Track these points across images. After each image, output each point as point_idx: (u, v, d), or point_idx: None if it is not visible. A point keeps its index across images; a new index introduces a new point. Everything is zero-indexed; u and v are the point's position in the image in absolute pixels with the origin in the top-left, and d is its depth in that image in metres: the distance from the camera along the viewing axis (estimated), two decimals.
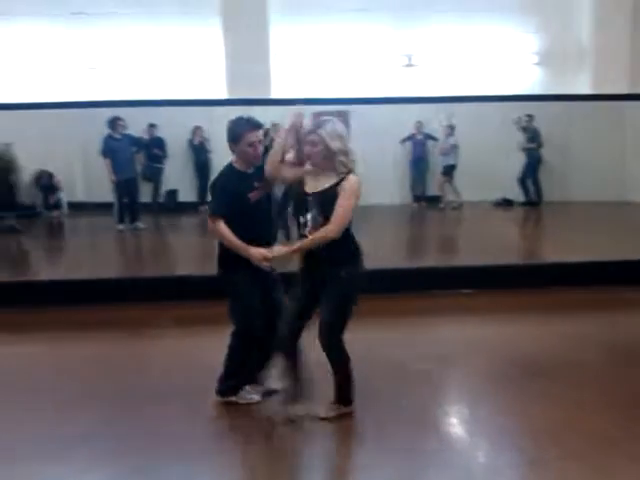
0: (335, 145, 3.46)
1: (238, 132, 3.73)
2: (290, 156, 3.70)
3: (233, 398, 3.99)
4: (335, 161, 3.48)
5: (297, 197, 3.61)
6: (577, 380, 4.30)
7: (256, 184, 3.77)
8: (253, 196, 3.74)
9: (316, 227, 3.50)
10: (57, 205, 10.66)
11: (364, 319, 5.64)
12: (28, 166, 10.34)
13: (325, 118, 3.55)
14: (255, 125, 3.73)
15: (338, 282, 3.55)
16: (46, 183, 10.55)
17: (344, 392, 3.75)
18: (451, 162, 11.15)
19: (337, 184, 3.48)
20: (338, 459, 3.40)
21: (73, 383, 4.41)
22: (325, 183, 3.52)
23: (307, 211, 3.54)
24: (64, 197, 10.58)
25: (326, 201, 3.47)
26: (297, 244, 3.58)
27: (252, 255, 3.58)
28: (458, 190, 11.15)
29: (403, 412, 3.86)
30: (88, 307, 5.99)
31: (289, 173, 3.69)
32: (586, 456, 3.31)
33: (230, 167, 3.84)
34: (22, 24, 10.40)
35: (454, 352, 4.92)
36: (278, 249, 3.61)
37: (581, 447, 3.40)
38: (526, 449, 3.44)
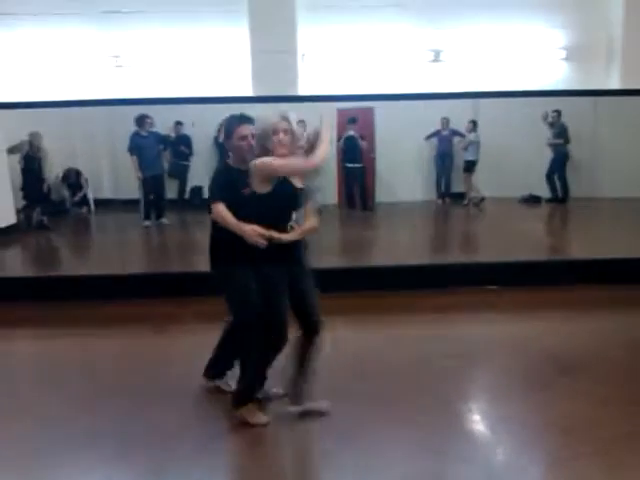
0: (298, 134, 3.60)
1: (229, 128, 3.79)
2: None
3: (217, 382, 4.15)
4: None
5: (294, 192, 3.61)
6: (603, 378, 4.25)
7: (249, 181, 3.73)
8: (246, 191, 3.68)
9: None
10: (84, 202, 10.80)
11: (388, 315, 5.71)
12: (56, 163, 10.51)
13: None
14: (246, 119, 3.79)
15: (307, 269, 3.74)
16: (74, 181, 10.68)
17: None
18: (471, 158, 11.07)
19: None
20: (359, 454, 3.40)
21: (98, 378, 4.48)
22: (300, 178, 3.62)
23: (300, 206, 3.64)
24: (91, 194, 10.71)
25: (304, 196, 3.63)
26: (296, 231, 3.63)
27: (246, 232, 3.55)
28: (477, 186, 11.06)
29: (426, 408, 3.86)
30: (114, 302, 6.06)
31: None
32: (611, 454, 3.28)
33: (224, 164, 3.91)
34: (51, 22, 10.54)
35: (478, 349, 4.90)
36: (277, 235, 3.56)
37: (607, 445, 3.37)
38: (550, 447, 3.42)
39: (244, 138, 3.74)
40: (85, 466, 3.35)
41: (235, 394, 3.84)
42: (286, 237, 3.57)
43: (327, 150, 3.58)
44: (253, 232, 3.52)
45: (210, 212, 3.72)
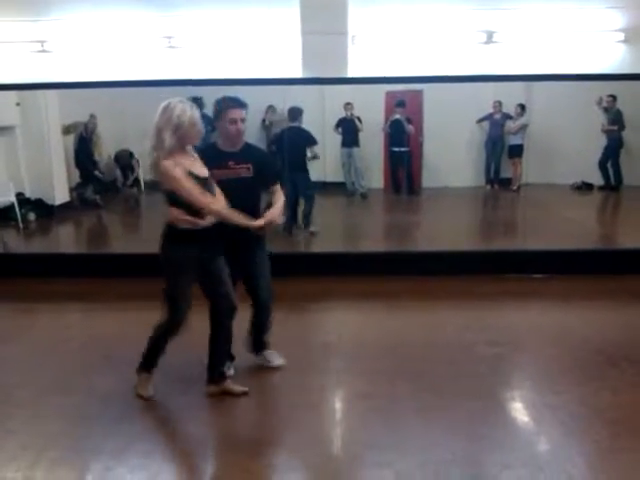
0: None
1: (220, 109, 3.81)
2: None
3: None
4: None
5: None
6: None
7: (230, 163, 3.80)
8: (222, 175, 3.71)
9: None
10: (135, 183, 11.02)
11: (435, 301, 5.70)
12: (109, 144, 10.74)
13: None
14: (238, 103, 3.80)
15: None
16: (126, 162, 10.91)
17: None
18: (520, 142, 10.88)
19: None
20: (398, 437, 3.42)
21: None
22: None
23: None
24: (142, 175, 10.92)
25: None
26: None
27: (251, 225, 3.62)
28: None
29: (470, 395, 3.85)
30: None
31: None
32: None
33: (211, 144, 3.96)
34: (105, 4, 10.69)
35: (525, 337, 4.85)
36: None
37: None
38: (599, 438, 3.37)
39: (233, 121, 3.76)
40: (129, 437, 3.45)
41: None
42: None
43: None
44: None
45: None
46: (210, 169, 3.64)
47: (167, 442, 3.42)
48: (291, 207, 7.77)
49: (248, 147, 3.96)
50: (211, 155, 3.78)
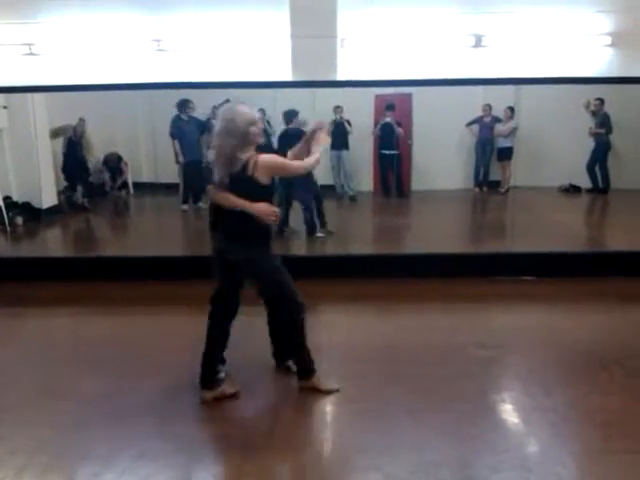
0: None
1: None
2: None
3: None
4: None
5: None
6: None
7: None
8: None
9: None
10: (123, 185, 10.98)
11: (425, 303, 5.71)
12: (97, 146, 10.68)
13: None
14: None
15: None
16: (114, 165, 10.86)
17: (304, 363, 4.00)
18: (510, 144, 10.94)
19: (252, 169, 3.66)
20: (389, 439, 3.42)
21: (137, 355, 4.58)
22: None
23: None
24: (130, 178, 10.88)
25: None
26: None
27: (259, 210, 3.62)
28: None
29: (459, 397, 3.86)
30: (153, 283, 6.17)
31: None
32: None
33: None
34: (93, 7, 10.65)
35: (514, 339, 4.87)
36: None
37: None
38: (589, 440, 3.39)
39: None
40: (120, 442, 3.43)
41: (301, 370, 4.01)
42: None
43: (317, 161, 3.82)
44: (266, 208, 3.65)
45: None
46: None
47: (157, 446, 3.39)
48: (284, 209, 7.78)
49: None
50: None
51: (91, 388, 4.07)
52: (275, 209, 3.71)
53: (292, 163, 3.84)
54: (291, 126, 8.19)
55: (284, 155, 3.97)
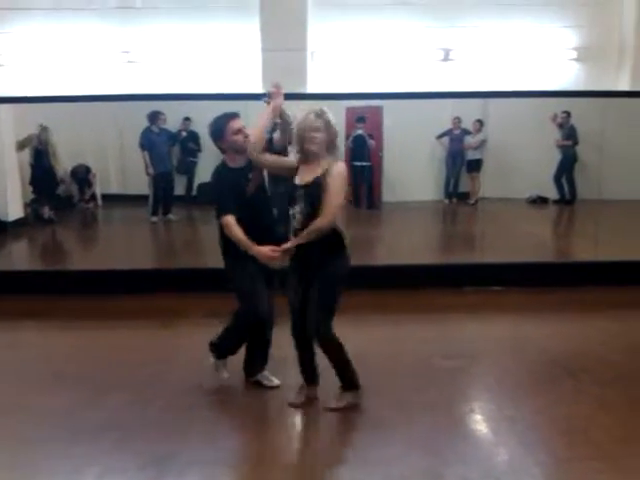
0: (335, 132, 3.57)
1: (220, 126, 3.82)
2: (277, 136, 3.80)
3: (212, 360, 4.18)
4: (333, 147, 3.57)
5: (288, 188, 3.65)
6: (608, 380, 4.25)
7: (250, 175, 3.82)
8: (249, 190, 3.79)
9: (305, 219, 3.55)
10: (92, 197, 10.84)
11: (391, 314, 5.72)
12: (65, 158, 10.54)
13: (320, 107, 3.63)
14: (233, 115, 3.83)
15: (326, 274, 3.61)
16: (82, 176, 10.72)
17: (347, 379, 3.81)
18: (479, 156, 11.08)
19: (323, 174, 3.52)
20: (360, 451, 3.41)
21: (103, 371, 4.50)
22: (312, 174, 3.56)
23: (296, 203, 3.59)
24: (98, 189, 10.75)
25: (314, 193, 3.52)
26: (293, 240, 3.61)
27: (259, 253, 3.62)
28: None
29: (428, 408, 3.86)
30: (121, 297, 6.10)
31: (269, 159, 3.73)
32: (612, 457, 3.28)
33: (223, 165, 3.89)
34: (61, 18, 10.57)
35: (482, 349, 4.89)
36: (283, 247, 3.61)
37: (610, 448, 3.37)
38: (554, 448, 3.42)
39: (238, 131, 3.77)
40: (84, 458, 3.36)
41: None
42: (292, 244, 3.60)
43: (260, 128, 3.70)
44: (265, 254, 3.60)
45: (218, 218, 3.76)
46: (241, 188, 3.76)
47: (121, 462, 3.33)
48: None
49: None
50: (233, 177, 3.81)
51: (54, 404, 3.99)
52: (276, 252, 3.60)
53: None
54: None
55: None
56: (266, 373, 4.19)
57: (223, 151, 3.89)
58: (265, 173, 3.92)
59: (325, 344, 3.73)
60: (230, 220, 3.69)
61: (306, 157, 3.60)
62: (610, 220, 9.29)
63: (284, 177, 3.72)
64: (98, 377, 4.39)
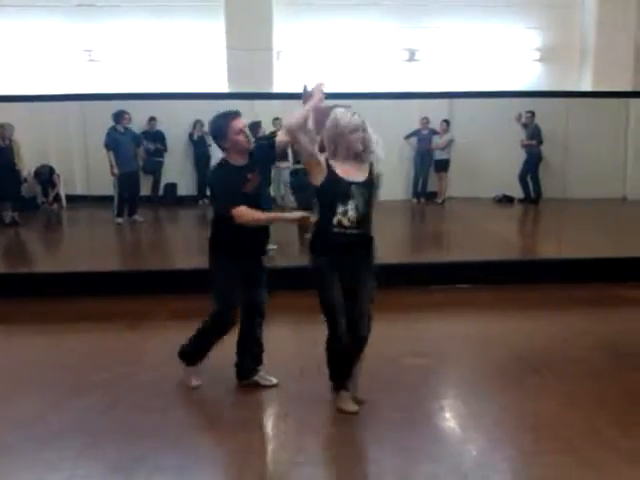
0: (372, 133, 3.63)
1: (221, 126, 3.78)
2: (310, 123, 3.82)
3: (184, 366, 4.15)
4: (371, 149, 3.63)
5: (335, 185, 3.60)
6: (573, 376, 4.31)
7: (249, 176, 3.81)
8: (248, 189, 3.79)
9: (360, 216, 3.58)
10: (56, 198, 10.66)
11: None
12: (27, 159, 10.34)
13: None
14: (235, 113, 3.80)
15: (372, 274, 3.70)
16: (46, 177, 10.54)
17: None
18: (446, 156, 11.18)
19: (371, 173, 3.65)
20: (328, 450, 3.40)
21: (69, 375, 4.42)
22: (363, 172, 3.64)
23: (348, 199, 3.57)
24: (62, 190, 10.58)
25: (371, 190, 3.65)
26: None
27: (292, 217, 3.77)
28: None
29: (396, 407, 3.87)
30: (86, 300, 6.00)
31: (304, 139, 3.61)
32: (580, 451, 3.32)
33: (225, 163, 3.86)
34: (23, 15, 10.38)
35: (449, 347, 4.93)
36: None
37: (575, 442, 3.41)
38: (521, 443, 3.45)
39: (240, 131, 3.76)
40: (49, 466, 3.29)
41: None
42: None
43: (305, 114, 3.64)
44: (299, 215, 3.74)
45: (224, 212, 3.75)
46: (242, 186, 3.75)
47: (89, 467, 3.28)
48: None
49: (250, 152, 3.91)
50: (235, 175, 3.78)
51: (20, 410, 3.90)
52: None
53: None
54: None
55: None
56: (262, 373, 4.15)
57: (223, 149, 3.86)
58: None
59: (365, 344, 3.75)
60: (242, 208, 3.70)
61: (351, 156, 3.63)
62: (574, 218, 9.46)
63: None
64: (63, 381, 4.30)
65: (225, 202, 3.77)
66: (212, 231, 3.95)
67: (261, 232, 3.91)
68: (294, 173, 7.86)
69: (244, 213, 3.71)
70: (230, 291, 3.88)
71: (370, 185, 3.66)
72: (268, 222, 3.85)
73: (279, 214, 3.77)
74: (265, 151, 3.95)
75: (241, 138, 3.76)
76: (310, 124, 3.61)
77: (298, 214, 3.81)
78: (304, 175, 4.04)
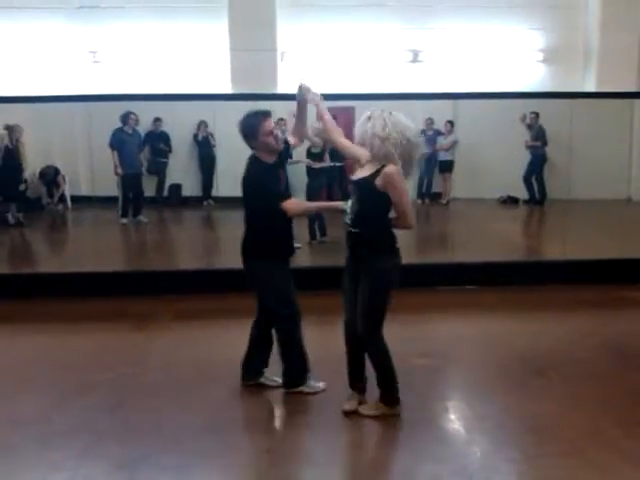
0: (384, 133, 3.47)
1: (253, 125, 3.78)
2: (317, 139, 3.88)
3: (261, 380, 4.13)
4: (381, 148, 3.49)
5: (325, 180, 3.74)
6: (578, 377, 4.30)
7: (280, 173, 3.88)
8: (281, 186, 3.86)
9: (354, 214, 3.57)
10: (61, 199, 10.68)
11: None
12: (32, 160, 10.37)
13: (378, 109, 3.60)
14: (265, 113, 3.81)
15: (373, 274, 3.58)
16: (51, 178, 10.56)
17: (386, 391, 3.71)
18: (451, 157, 11.17)
19: (375, 173, 3.50)
20: (332, 452, 3.40)
21: (74, 374, 4.43)
22: (368, 170, 3.56)
23: (348, 197, 3.63)
24: (67, 191, 10.60)
25: (362, 189, 3.55)
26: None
27: (331, 205, 3.91)
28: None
29: (401, 407, 3.86)
30: (91, 300, 6.01)
31: (344, 143, 3.80)
32: (584, 452, 3.32)
33: (258, 161, 3.85)
34: (28, 17, 10.41)
35: (455, 349, 4.92)
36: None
37: (579, 443, 3.41)
38: (525, 445, 3.44)
39: (270, 132, 3.78)
40: (52, 465, 3.29)
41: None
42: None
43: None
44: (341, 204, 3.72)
45: (274, 208, 3.75)
46: (277, 183, 3.81)
47: (92, 467, 3.28)
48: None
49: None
50: (271, 173, 3.83)
51: (23, 409, 3.91)
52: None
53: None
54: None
55: None
56: (267, 374, 4.16)
57: (252, 148, 3.87)
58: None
59: (370, 347, 3.70)
60: (290, 201, 3.76)
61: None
62: (579, 219, 9.44)
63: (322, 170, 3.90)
64: (67, 381, 4.32)
65: (273, 199, 3.76)
66: (251, 236, 3.90)
67: (291, 230, 3.95)
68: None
69: (292, 205, 3.76)
70: (287, 292, 3.89)
71: (364, 184, 3.54)
72: (318, 210, 3.88)
73: (325, 203, 3.78)
74: (285, 150, 4.02)
75: (271, 140, 3.79)
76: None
77: (341, 203, 3.77)
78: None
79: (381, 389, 3.70)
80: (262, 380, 4.14)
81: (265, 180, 3.79)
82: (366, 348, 3.71)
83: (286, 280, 3.91)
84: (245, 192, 3.86)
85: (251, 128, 3.77)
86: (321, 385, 4.04)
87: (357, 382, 3.79)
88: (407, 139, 3.50)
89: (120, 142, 9.30)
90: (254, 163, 3.85)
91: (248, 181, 3.83)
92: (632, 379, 4.29)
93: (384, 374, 3.68)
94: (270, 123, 3.78)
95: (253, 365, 4.12)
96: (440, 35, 11.42)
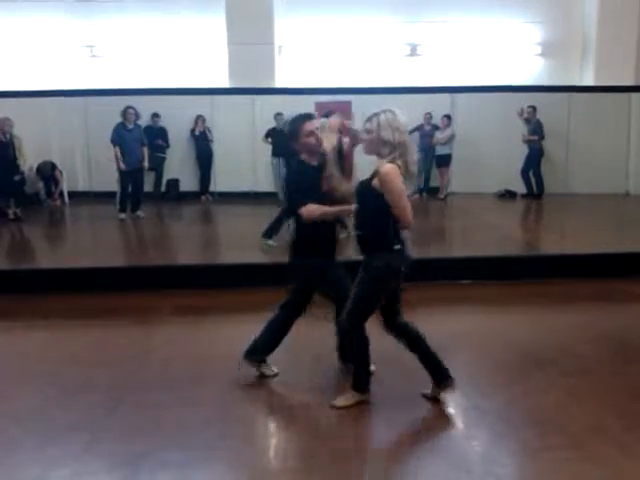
0: (384, 135, 3.54)
1: (294, 128, 3.93)
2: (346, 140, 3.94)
3: (262, 368, 4.19)
4: (382, 151, 3.57)
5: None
6: (577, 371, 4.31)
7: (323, 177, 3.93)
8: (324, 188, 3.91)
9: (356, 217, 3.68)
10: (59, 195, 10.66)
11: None
12: (29, 155, 10.35)
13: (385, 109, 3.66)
14: (307, 116, 3.96)
15: (367, 270, 3.66)
16: (48, 173, 10.54)
17: (357, 378, 3.81)
18: (448, 151, 11.16)
19: (373, 175, 3.58)
20: (331, 447, 3.40)
21: (73, 370, 4.43)
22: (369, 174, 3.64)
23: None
24: (65, 186, 10.58)
25: (362, 191, 3.63)
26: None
27: (344, 210, 3.87)
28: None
29: (400, 402, 3.87)
30: (90, 295, 6.01)
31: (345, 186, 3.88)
32: (584, 445, 3.33)
33: (302, 163, 3.97)
34: (24, 10, 10.36)
35: (454, 342, 4.91)
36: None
37: (580, 437, 3.42)
38: (524, 438, 3.45)
39: (311, 134, 3.88)
40: (53, 462, 3.29)
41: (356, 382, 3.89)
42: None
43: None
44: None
45: (299, 215, 3.83)
46: (318, 188, 3.86)
47: (91, 464, 3.28)
48: None
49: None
50: (313, 174, 3.91)
51: (24, 405, 3.91)
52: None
53: None
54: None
55: None
56: (269, 363, 4.21)
57: (297, 151, 3.98)
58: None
59: (348, 335, 3.82)
60: (307, 207, 3.78)
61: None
62: (577, 213, 9.45)
63: None
64: (68, 377, 4.31)
65: (297, 200, 3.85)
66: (302, 235, 3.98)
67: (334, 230, 4.07)
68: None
69: (310, 209, 3.78)
70: (345, 284, 3.92)
71: (362, 186, 3.64)
72: (334, 215, 3.90)
73: (341, 207, 3.81)
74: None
75: (310, 140, 3.89)
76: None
77: (353, 206, 3.80)
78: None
79: (353, 378, 3.82)
80: (263, 369, 4.16)
81: (298, 181, 3.94)
82: (344, 335, 3.87)
83: (339, 274, 4.04)
84: (285, 191, 4.07)
85: (293, 131, 3.94)
86: (275, 370, 4.20)
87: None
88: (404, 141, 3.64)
89: (119, 137, 9.29)
90: (297, 163, 4.00)
91: (288, 180, 4.07)
92: (632, 372, 4.30)
93: (358, 363, 3.82)
94: (310, 125, 3.90)
95: (262, 349, 4.16)
96: (438, 29, 11.40)
